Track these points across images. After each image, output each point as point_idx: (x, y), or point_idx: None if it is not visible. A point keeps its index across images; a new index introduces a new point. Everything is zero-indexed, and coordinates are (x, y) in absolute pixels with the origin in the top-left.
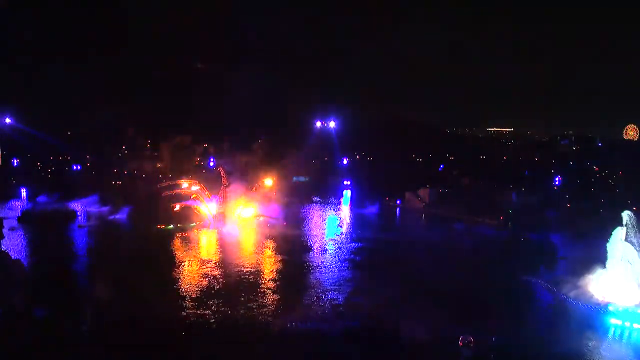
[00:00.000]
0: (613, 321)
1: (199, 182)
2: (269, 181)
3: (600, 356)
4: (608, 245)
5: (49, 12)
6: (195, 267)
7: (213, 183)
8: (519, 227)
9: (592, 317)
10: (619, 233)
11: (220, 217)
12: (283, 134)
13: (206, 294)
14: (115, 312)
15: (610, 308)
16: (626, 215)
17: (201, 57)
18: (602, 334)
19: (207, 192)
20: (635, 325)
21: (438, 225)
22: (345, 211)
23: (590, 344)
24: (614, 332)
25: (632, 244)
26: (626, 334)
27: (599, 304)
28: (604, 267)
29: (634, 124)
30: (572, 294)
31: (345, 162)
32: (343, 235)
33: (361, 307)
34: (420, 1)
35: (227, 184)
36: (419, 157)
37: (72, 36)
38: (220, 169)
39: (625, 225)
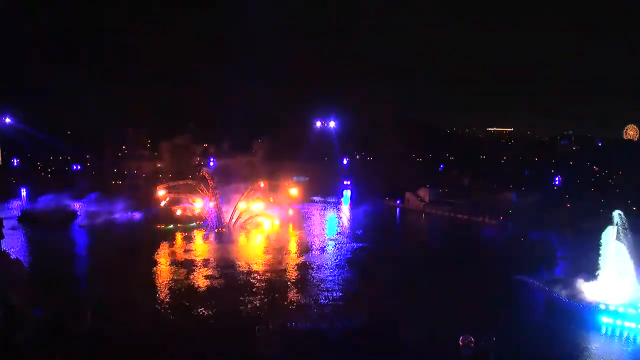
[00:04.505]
0: (605, 320)
1: (199, 182)
2: (294, 190)
3: (590, 355)
4: (600, 244)
5: (49, 12)
6: (195, 267)
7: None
8: (519, 227)
9: (584, 316)
10: (610, 232)
11: (219, 217)
12: (283, 133)
13: (208, 293)
14: (116, 312)
15: (602, 307)
16: (618, 214)
17: (202, 56)
18: (593, 333)
19: (206, 193)
20: (627, 324)
21: (438, 225)
22: (345, 211)
23: (580, 342)
24: (606, 330)
25: (624, 243)
26: (617, 332)
27: (590, 303)
28: (598, 266)
29: (634, 124)
30: (565, 293)
31: (345, 162)
32: (343, 235)
33: (360, 306)
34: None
35: (214, 185)
36: (419, 157)
37: (73, 36)
38: (203, 172)
39: (617, 225)
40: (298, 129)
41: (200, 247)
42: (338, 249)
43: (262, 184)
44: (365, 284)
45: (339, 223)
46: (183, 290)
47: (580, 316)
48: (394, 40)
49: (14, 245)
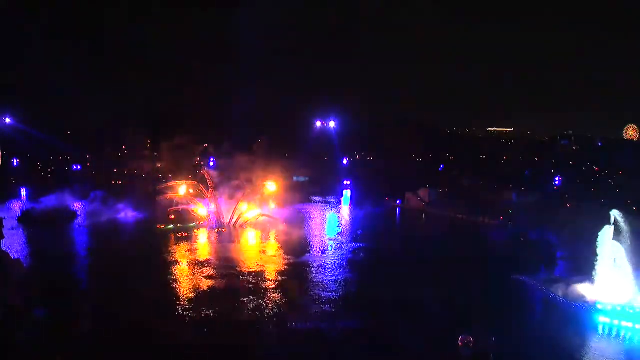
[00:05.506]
0: (601, 319)
1: (199, 183)
2: (271, 185)
3: (587, 354)
4: (597, 244)
5: (49, 12)
6: (196, 267)
7: (206, 184)
8: (519, 227)
9: (582, 315)
10: (607, 232)
11: (219, 218)
12: (283, 133)
13: (209, 294)
14: (115, 311)
15: (599, 306)
16: (614, 214)
17: (202, 56)
18: (589, 332)
19: (206, 193)
20: (623, 323)
21: (437, 225)
22: (345, 211)
23: (577, 341)
24: (602, 330)
25: (622, 242)
26: (614, 332)
27: (588, 303)
28: (595, 266)
29: (634, 124)
30: (562, 292)
31: (345, 162)
32: (343, 235)
33: (360, 306)
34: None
35: (213, 185)
36: (419, 157)
37: (73, 36)
38: (203, 172)
39: (615, 224)
40: (298, 129)
41: (200, 247)
42: (338, 249)
43: (267, 186)
44: (365, 284)
45: (339, 223)
46: (182, 290)
47: (577, 315)
48: (394, 40)
49: (14, 245)
